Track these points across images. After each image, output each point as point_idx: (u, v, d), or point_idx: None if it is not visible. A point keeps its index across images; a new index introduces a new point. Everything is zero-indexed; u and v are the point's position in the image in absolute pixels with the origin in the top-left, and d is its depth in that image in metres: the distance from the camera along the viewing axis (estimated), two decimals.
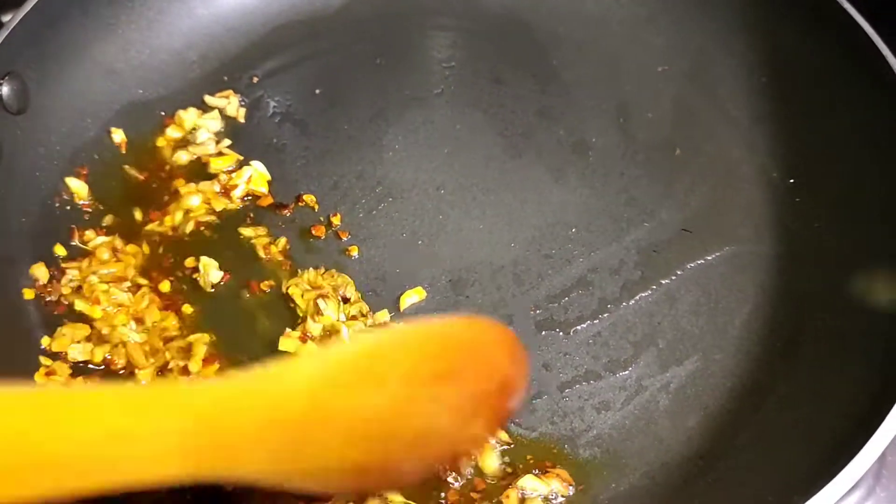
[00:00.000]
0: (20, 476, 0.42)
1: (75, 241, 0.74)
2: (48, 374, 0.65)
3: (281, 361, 0.51)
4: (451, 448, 0.61)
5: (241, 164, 0.80)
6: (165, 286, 0.72)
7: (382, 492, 0.64)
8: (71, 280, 0.71)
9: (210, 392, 0.51)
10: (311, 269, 0.73)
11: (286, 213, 0.77)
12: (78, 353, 0.67)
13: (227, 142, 0.82)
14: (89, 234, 0.74)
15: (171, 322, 0.70)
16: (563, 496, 0.63)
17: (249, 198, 0.78)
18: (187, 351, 0.68)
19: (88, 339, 0.68)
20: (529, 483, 0.62)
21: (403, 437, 0.55)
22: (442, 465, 0.64)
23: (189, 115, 0.82)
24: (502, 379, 0.61)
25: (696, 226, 0.77)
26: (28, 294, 0.70)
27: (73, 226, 0.74)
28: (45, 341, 0.68)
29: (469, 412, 0.59)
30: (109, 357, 0.68)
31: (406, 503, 0.62)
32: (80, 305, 0.69)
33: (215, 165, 0.79)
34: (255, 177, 0.78)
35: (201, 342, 0.68)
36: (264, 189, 0.78)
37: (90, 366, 0.68)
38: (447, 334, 0.60)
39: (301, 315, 0.70)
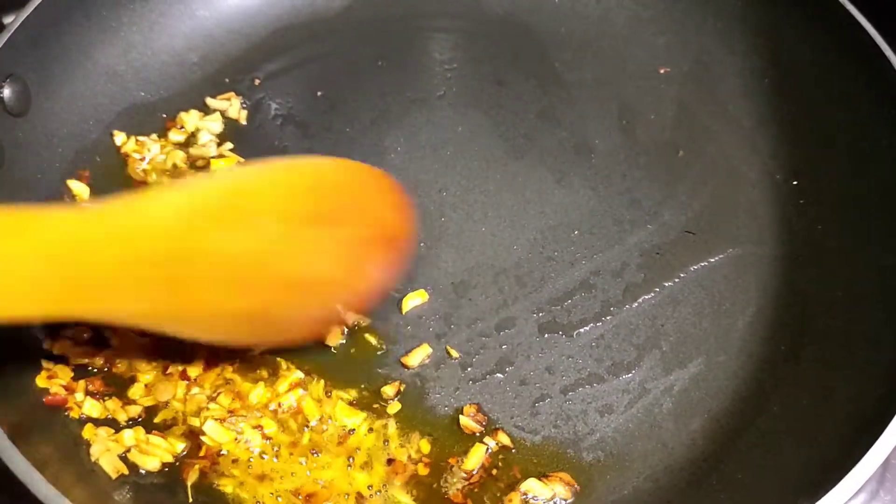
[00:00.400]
0: None
1: None
2: (50, 377, 0.65)
3: (143, 193, 0.48)
4: (338, 298, 0.58)
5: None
6: None
7: (274, 344, 0.60)
8: None
9: (63, 223, 0.46)
10: None
11: None
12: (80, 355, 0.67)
13: (229, 144, 0.81)
14: None
15: None
16: (565, 500, 0.62)
17: None
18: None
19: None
20: (533, 486, 0.62)
21: (282, 280, 0.52)
22: (331, 319, 0.60)
23: (191, 117, 0.82)
24: (384, 226, 0.58)
25: (698, 227, 0.77)
26: None
27: None
28: (46, 344, 0.67)
29: (351, 259, 0.56)
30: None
31: None
32: None
33: (216, 167, 0.79)
34: None
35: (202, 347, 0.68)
36: None
37: (91, 368, 0.67)
38: (323, 174, 0.58)
39: None
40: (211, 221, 0.49)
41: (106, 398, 0.65)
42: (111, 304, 0.47)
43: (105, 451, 0.62)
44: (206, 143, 0.81)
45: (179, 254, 0.48)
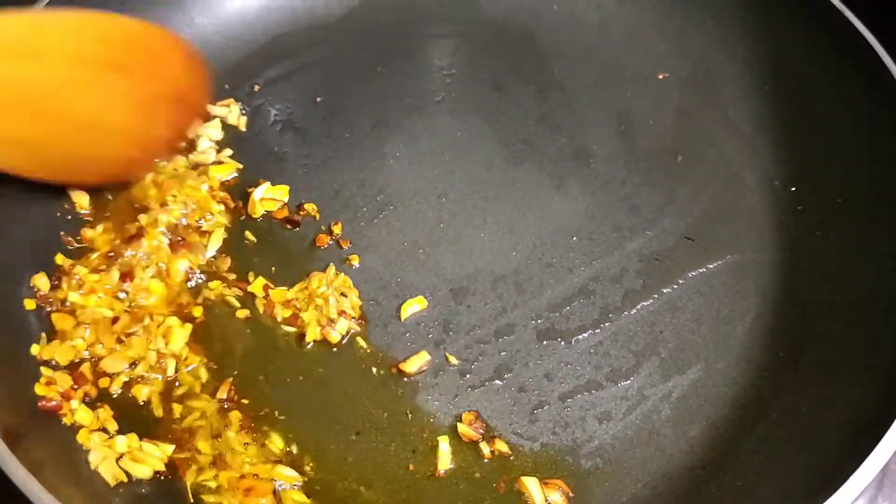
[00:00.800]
0: None
1: (75, 247, 0.74)
2: (48, 383, 0.65)
3: None
4: (133, 146, 0.65)
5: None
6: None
7: (78, 181, 0.67)
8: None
9: None
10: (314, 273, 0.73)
11: (296, 229, 0.77)
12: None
13: (229, 151, 0.82)
14: (90, 232, 0.74)
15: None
16: None
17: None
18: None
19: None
20: (530, 486, 0.62)
21: (71, 116, 0.58)
22: (126, 166, 0.67)
23: None
24: (175, 84, 0.64)
25: (698, 233, 0.77)
26: (29, 304, 0.70)
27: (74, 232, 0.75)
28: (34, 349, 0.67)
29: (139, 108, 0.62)
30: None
31: None
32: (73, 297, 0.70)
33: (214, 174, 0.79)
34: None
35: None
36: (285, 199, 0.79)
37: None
38: (117, 28, 0.63)
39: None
40: (3, 51, 0.54)
41: (98, 405, 0.66)
42: None
43: (104, 459, 0.62)
44: (206, 150, 0.81)
45: None
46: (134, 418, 0.66)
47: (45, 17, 0.60)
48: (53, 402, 0.64)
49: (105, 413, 0.65)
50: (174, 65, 0.65)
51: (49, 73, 0.56)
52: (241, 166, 0.80)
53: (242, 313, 0.71)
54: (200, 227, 0.75)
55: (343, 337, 0.70)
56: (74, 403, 0.65)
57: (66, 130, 0.59)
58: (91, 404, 0.66)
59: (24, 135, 0.57)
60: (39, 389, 0.65)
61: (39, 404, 0.64)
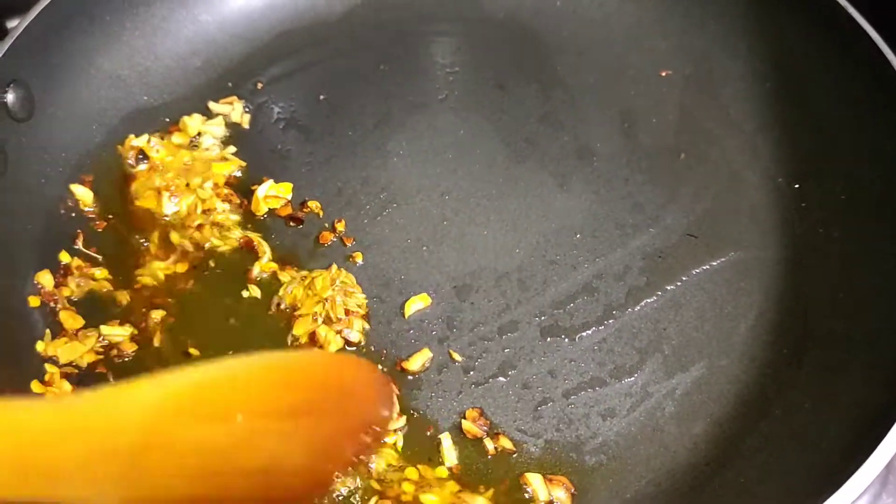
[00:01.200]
0: None
1: (79, 245, 0.74)
2: (46, 383, 0.65)
3: (116, 386, 0.48)
4: (302, 484, 0.57)
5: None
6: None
7: None
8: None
9: (30, 412, 0.47)
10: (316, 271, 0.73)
11: (300, 226, 0.77)
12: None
13: (232, 148, 0.82)
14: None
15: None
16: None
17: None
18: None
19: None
20: (535, 482, 0.62)
21: (245, 471, 0.52)
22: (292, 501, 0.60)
23: (193, 122, 0.82)
24: (360, 416, 0.58)
25: (701, 231, 0.77)
26: (33, 302, 0.70)
27: (79, 230, 0.75)
28: (39, 346, 0.68)
29: (322, 449, 0.56)
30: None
31: None
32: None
33: (217, 170, 0.79)
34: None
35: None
36: (288, 196, 0.79)
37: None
38: (299, 367, 0.58)
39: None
40: (179, 417, 0.49)
41: None
42: (65, 487, 0.47)
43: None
44: (210, 147, 0.81)
45: (145, 446, 0.48)
46: None
47: (223, 369, 0.53)
48: None
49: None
50: (364, 397, 0.60)
51: (225, 432, 0.51)
52: (243, 163, 0.80)
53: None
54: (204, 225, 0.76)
55: (360, 337, 0.70)
56: None
57: (236, 482, 0.53)
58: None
59: (190, 493, 0.51)
60: (36, 387, 0.64)
61: None
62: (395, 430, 0.65)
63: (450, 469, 0.64)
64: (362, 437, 0.60)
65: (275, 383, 0.55)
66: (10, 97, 0.72)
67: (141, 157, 0.79)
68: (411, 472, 0.63)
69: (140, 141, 0.80)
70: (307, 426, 0.55)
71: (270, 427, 0.53)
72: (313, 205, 0.78)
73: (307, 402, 0.55)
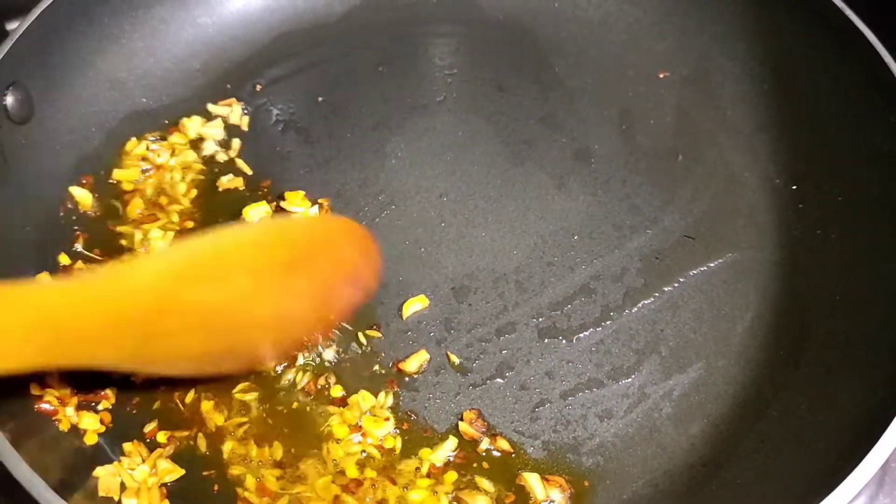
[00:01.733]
0: None
1: (78, 247, 0.74)
2: (45, 386, 0.65)
3: (128, 261, 0.56)
4: (301, 333, 0.65)
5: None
6: None
7: (243, 371, 0.66)
8: None
9: (54, 291, 0.55)
10: None
11: None
12: None
13: (236, 147, 0.82)
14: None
15: None
16: None
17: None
18: None
19: None
20: (532, 482, 0.63)
21: (253, 325, 0.59)
22: (293, 348, 0.67)
23: (193, 124, 0.83)
24: (350, 270, 0.66)
25: (698, 232, 0.77)
26: None
27: (79, 232, 0.75)
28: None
29: (318, 300, 0.63)
30: None
31: None
32: None
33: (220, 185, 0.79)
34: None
35: None
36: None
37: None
38: (288, 229, 0.66)
39: None
40: (188, 281, 0.56)
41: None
42: (93, 354, 0.55)
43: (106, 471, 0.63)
44: (214, 153, 0.81)
45: (158, 311, 0.55)
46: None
47: (225, 236, 0.61)
48: (50, 406, 0.64)
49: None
50: (348, 249, 0.67)
51: (231, 290, 0.57)
52: (250, 172, 0.80)
53: None
54: None
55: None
56: (69, 410, 0.64)
57: (240, 337, 0.60)
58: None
59: (206, 348, 0.59)
60: (35, 389, 0.64)
61: (36, 406, 0.64)
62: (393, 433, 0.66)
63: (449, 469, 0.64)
64: (352, 287, 0.67)
65: (267, 244, 0.61)
66: (9, 99, 0.72)
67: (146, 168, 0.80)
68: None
69: (140, 148, 0.80)
70: (302, 279, 0.61)
71: (268, 283, 0.59)
72: (324, 203, 0.78)
73: (298, 257, 0.61)
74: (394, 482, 0.63)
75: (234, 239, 0.61)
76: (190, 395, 0.66)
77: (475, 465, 0.64)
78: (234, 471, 0.63)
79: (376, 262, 0.69)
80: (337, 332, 0.70)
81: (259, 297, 0.58)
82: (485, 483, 0.63)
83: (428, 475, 0.63)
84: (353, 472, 0.63)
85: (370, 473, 0.63)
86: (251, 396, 0.67)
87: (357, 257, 0.67)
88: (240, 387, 0.67)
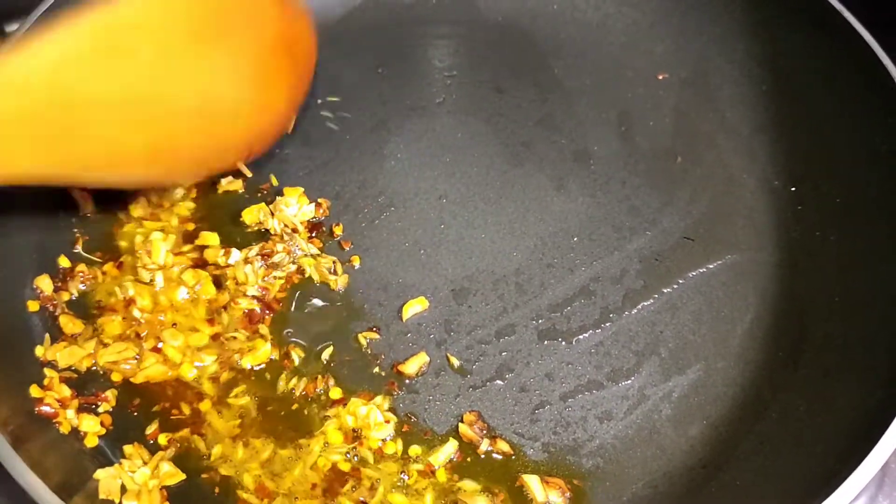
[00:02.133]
0: None
1: (78, 249, 0.74)
2: (46, 388, 0.65)
3: (22, 42, 0.47)
4: (249, 117, 0.57)
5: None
6: None
7: (200, 175, 0.59)
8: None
9: None
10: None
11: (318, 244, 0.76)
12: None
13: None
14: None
15: None
16: None
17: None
18: None
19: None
20: (532, 483, 0.63)
21: (179, 107, 0.51)
22: (242, 147, 0.59)
23: None
24: (279, 34, 0.56)
25: (697, 234, 0.77)
26: (33, 306, 0.70)
27: (78, 234, 0.75)
28: (38, 350, 0.68)
29: (249, 71, 0.55)
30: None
31: None
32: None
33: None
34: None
35: None
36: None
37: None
38: None
39: None
40: (85, 65, 0.48)
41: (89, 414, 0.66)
42: (13, 161, 0.48)
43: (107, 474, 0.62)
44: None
45: (64, 102, 0.48)
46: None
47: (119, 7, 0.51)
48: (50, 409, 0.64)
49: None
50: (274, 13, 0.58)
51: (141, 70, 0.50)
52: (249, 174, 0.79)
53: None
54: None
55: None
56: (70, 413, 0.65)
57: (181, 124, 0.52)
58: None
59: (133, 142, 0.51)
60: (35, 392, 0.65)
61: (36, 409, 0.64)
62: (393, 437, 0.66)
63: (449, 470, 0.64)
64: (288, 65, 0.59)
65: (168, 11, 0.52)
66: None
67: None
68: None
69: None
70: (219, 50, 0.53)
71: (179, 58, 0.51)
72: (323, 203, 0.78)
73: (212, 21, 0.53)
74: (394, 484, 0.63)
75: (128, 10, 0.51)
76: (191, 398, 0.67)
77: (475, 467, 0.64)
78: (234, 472, 0.64)
79: (308, 22, 0.60)
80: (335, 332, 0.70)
81: (171, 77, 0.51)
82: (484, 484, 0.63)
83: (428, 476, 0.63)
84: (350, 473, 0.63)
85: (369, 474, 0.63)
86: (250, 399, 0.67)
87: (285, 23, 0.58)
88: (238, 389, 0.67)
